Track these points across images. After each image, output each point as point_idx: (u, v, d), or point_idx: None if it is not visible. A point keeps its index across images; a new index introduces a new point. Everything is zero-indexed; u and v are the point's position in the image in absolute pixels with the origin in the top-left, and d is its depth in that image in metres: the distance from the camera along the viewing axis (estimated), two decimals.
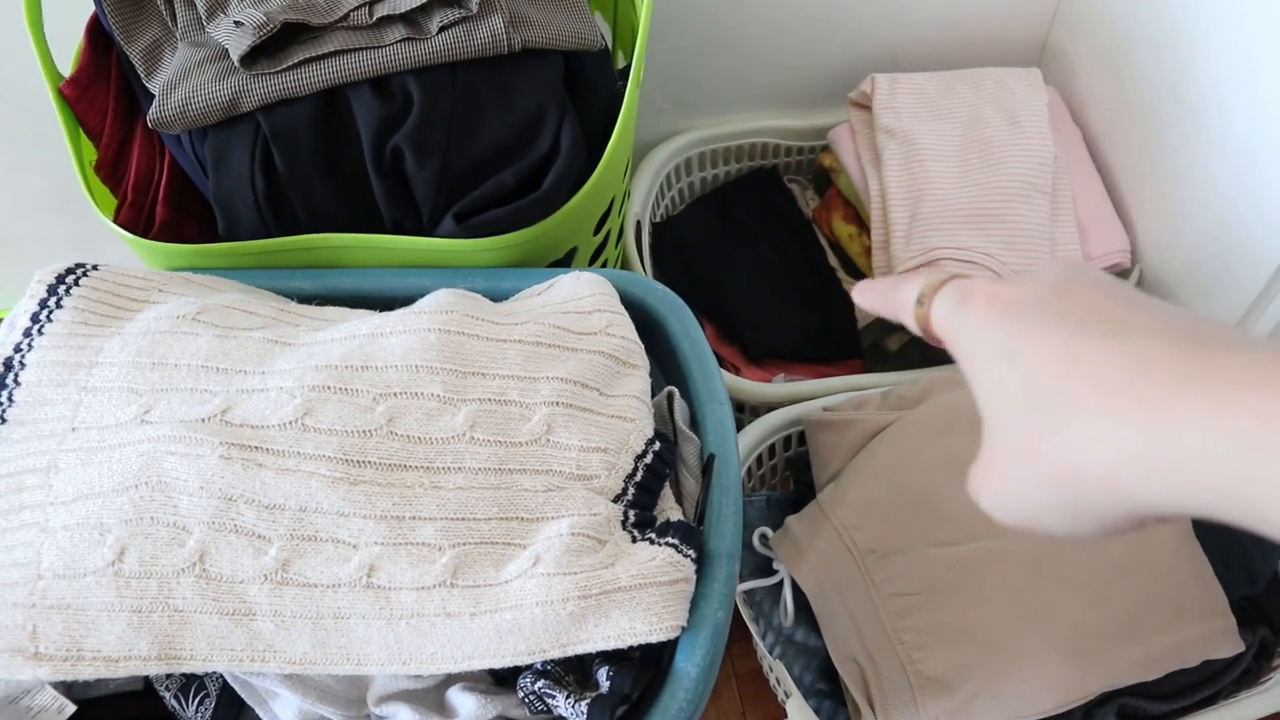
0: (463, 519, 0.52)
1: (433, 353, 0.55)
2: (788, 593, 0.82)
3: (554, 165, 0.66)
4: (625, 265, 0.96)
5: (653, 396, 0.61)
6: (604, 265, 0.78)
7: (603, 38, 0.70)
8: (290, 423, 0.53)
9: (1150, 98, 0.92)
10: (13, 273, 1.09)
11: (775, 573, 0.84)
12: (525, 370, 0.56)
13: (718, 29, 0.99)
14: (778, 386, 0.91)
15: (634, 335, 0.60)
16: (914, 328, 0.39)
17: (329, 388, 0.54)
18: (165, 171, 0.69)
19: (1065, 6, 1.02)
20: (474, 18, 0.65)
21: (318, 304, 0.67)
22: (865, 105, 0.99)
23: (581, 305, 0.60)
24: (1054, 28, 1.04)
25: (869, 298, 0.44)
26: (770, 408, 0.91)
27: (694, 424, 0.61)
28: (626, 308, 0.63)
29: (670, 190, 1.06)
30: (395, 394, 0.54)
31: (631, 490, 0.55)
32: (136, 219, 0.69)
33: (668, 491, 0.58)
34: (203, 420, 0.53)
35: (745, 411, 0.94)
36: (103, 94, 0.71)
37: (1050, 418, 0.30)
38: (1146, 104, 0.93)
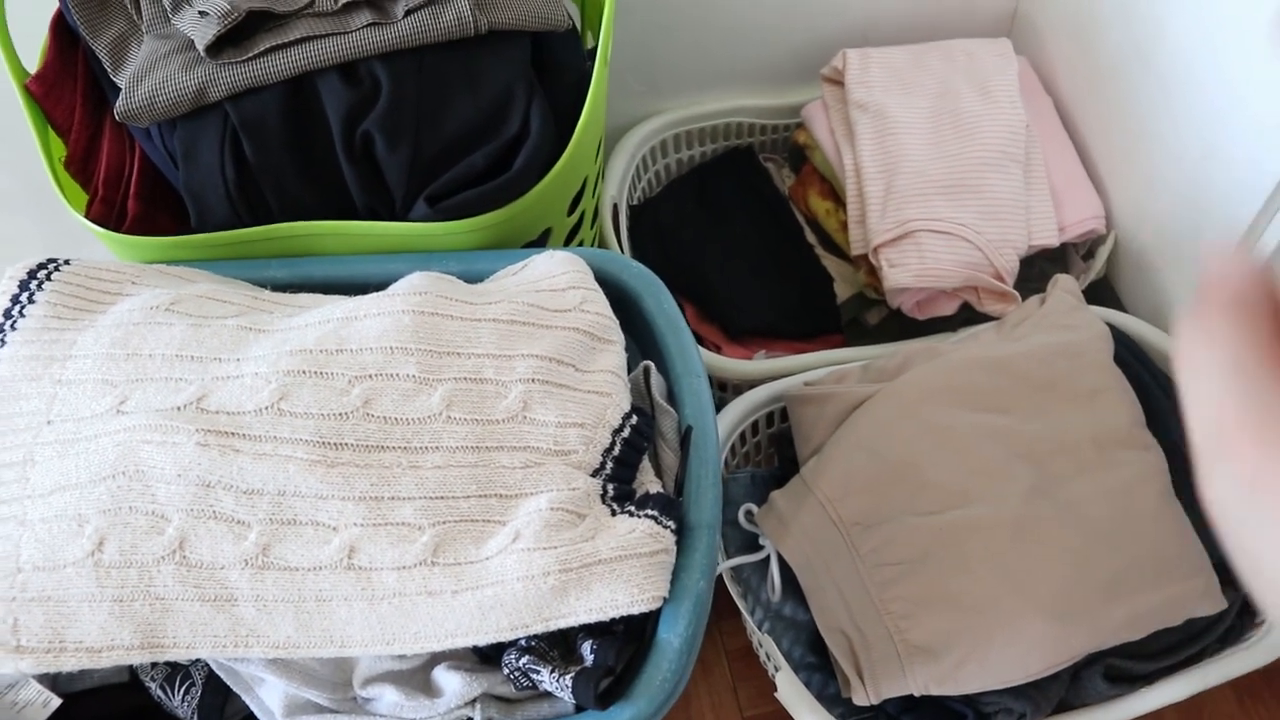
0: (442, 498, 0.52)
1: (407, 334, 0.55)
2: (774, 568, 0.82)
3: (524, 146, 0.66)
4: (603, 248, 0.96)
5: (629, 371, 0.61)
6: (580, 246, 0.78)
7: (569, 18, 0.70)
8: (266, 408, 0.53)
9: (1119, 64, 0.92)
10: None
11: (761, 549, 0.84)
12: (500, 348, 0.56)
13: (687, 7, 0.99)
14: (758, 364, 0.92)
15: (608, 311, 0.60)
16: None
17: (304, 372, 0.54)
18: (136, 166, 0.69)
19: None
20: (440, 1, 0.65)
21: (293, 292, 0.67)
22: (837, 81, 0.99)
23: (556, 283, 0.60)
24: None
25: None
26: (752, 385, 0.91)
27: (671, 398, 0.61)
28: (602, 285, 0.63)
29: (646, 172, 1.06)
30: (370, 376, 0.54)
31: (610, 464, 0.55)
32: (108, 214, 0.69)
33: (646, 465, 0.58)
34: (178, 408, 0.53)
35: (728, 390, 0.95)
36: (70, 90, 0.71)
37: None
38: (1115, 70, 0.93)
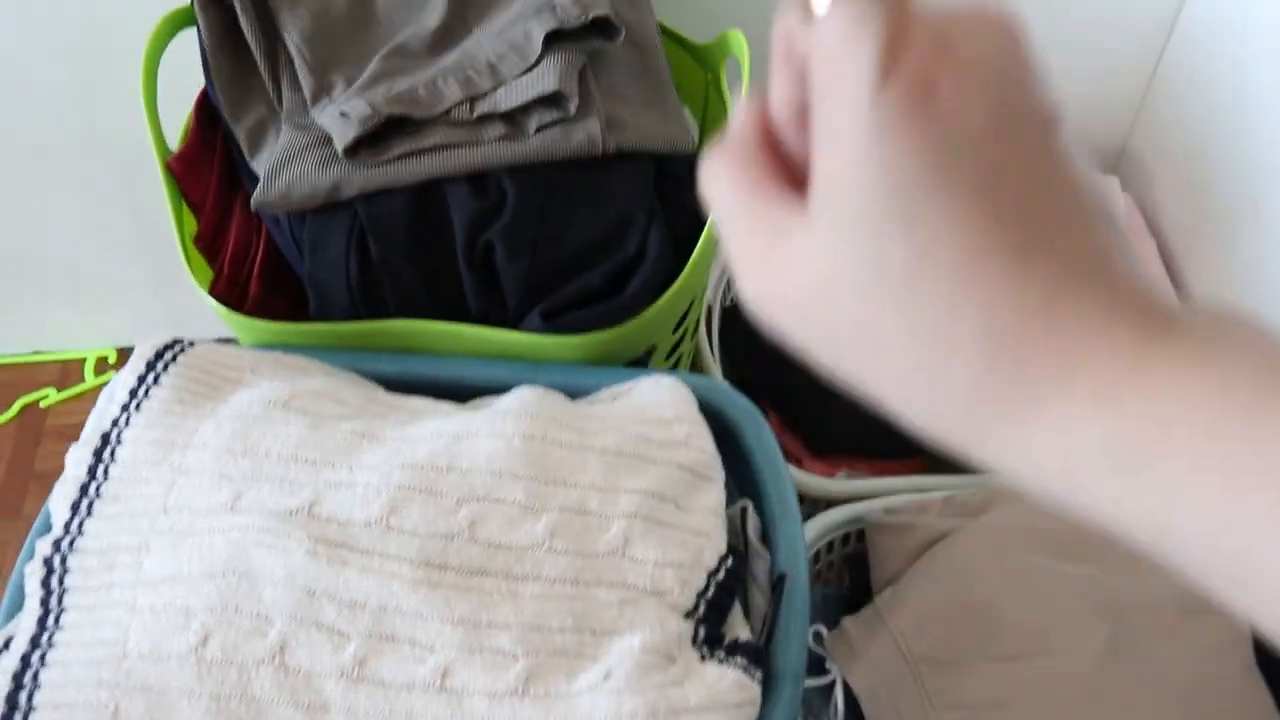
0: (538, 628, 0.53)
1: (516, 459, 0.56)
2: (839, 694, 0.81)
3: (640, 269, 0.67)
4: (695, 352, 0.97)
5: (727, 506, 0.62)
6: (679, 359, 0.79)
7: (693, 140, 0.72)
8: (375, 521, 0.54)
9: (1229, 207, 0.92)
10: (114, 316, 1.13)
11: (828, 672, 0.83)
12: (605, 480, 0.57)
13: None
14: (840, 483, 0.92)
15: (712, 447, 0.61)
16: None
17: (414, 488, 0.55)
18: (261, 249, 0.71)
19: (1146, 113, 1.02)
20: (571, 119, 0.67)
21: (400, 387, 0.69)
22: None
23: (662, 414, 0.61)
24: (1133, 133, 1.04)
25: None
26: (831, 503, 0.91)
27: (765, 537, 0.62)
28: (704, 414, 0.64)
29: None
30: (478, 498, 0.55)
31: (703, 607, 0.55)
32: (231, 293, 0.71)
33: (737, 607, 0.58)
34: (291, 512, 0.55)
35: (805, 503, 0.95)
36: (207, 168, 0.73)
37: (917, 319, 0.24)
38: (1225, 214, 0.93)
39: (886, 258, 0.24)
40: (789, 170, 0.28)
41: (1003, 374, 0.24)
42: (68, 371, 1.15)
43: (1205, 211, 0.95)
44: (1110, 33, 0.97)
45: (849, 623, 0.83)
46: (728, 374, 0.99)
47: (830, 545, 0.90)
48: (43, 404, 1.13)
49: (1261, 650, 0.77)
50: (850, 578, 0.91)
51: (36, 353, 1.16)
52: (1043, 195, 0.24)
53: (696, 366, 0.96)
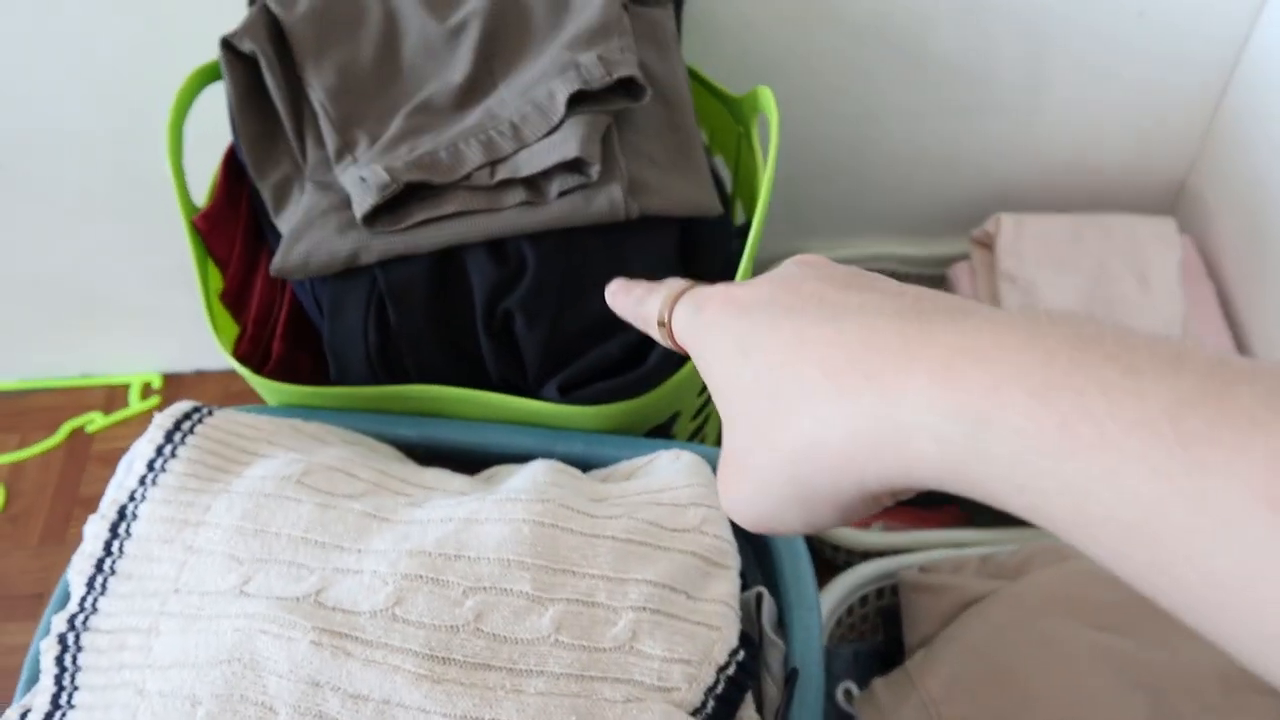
0: None
1: (525, 546, 0.55)
2: None
3: None
4: None
5: (743, 586, 0.60)
6: (706, 420, 0.77)
7: (720, 205, 0.70)
8: (381, 611, 0.54)
9: None
10: (160, 343, 1.14)
11: None
12: (615, 570, 0.56)
13: (840, 156, 0.98)
14: (875, 535, 0.90)
15: (728, 534, 0.59)
16: (662, 341, 0.40)
17: (421, 577, 0.55)
18: (285, 308, 0.71)
19: (1207, 151, 0.98)
20: (593, 185, 0.66)
21: (420, 452, 0.68)
22: (987, 244, 0.96)
23: (678, 497, 0.60)
24: (1193, 172, 1.00)
25: (620, 302, 0.45)
26: (867, 554, 0.89)
27: (780, 624, 0.60)
28: None
29: None
30: (485, 588, 0.54)
31: (711, 703, 0.54)
32: (254, 352, 0.71)
33: (748, 700, 0.57)
34: (298, 600, 0.54)
35: (840, 552, 0.93)
36: (233, 225, 0.73)
37: (783, 404, 0.30)
38: None
39: (751, 389, 0.32)
40: None
41: (850, 393, 0.28)
42: (113, 396, 1.17)
43: (1268, 255, 0.91)
44: (1171, 66, 0.93)
45: (879, 684, 0.81)
46: None
47: (864, 599, 0.89)
48: (89, 429, 1.14)
49: None
50: (885, 631, 0.89)
51: (84, 376, 1.18)
52: (842, 292, 0.32)
53: None
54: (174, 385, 1.18)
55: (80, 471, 1.12)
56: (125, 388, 1.17)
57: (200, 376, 1.18)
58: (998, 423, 0.24)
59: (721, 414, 0.34)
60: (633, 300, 0.43)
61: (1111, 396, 0.23)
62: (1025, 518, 0.25)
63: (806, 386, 0.29)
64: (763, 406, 0.31)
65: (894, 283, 0.32)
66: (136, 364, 1.18)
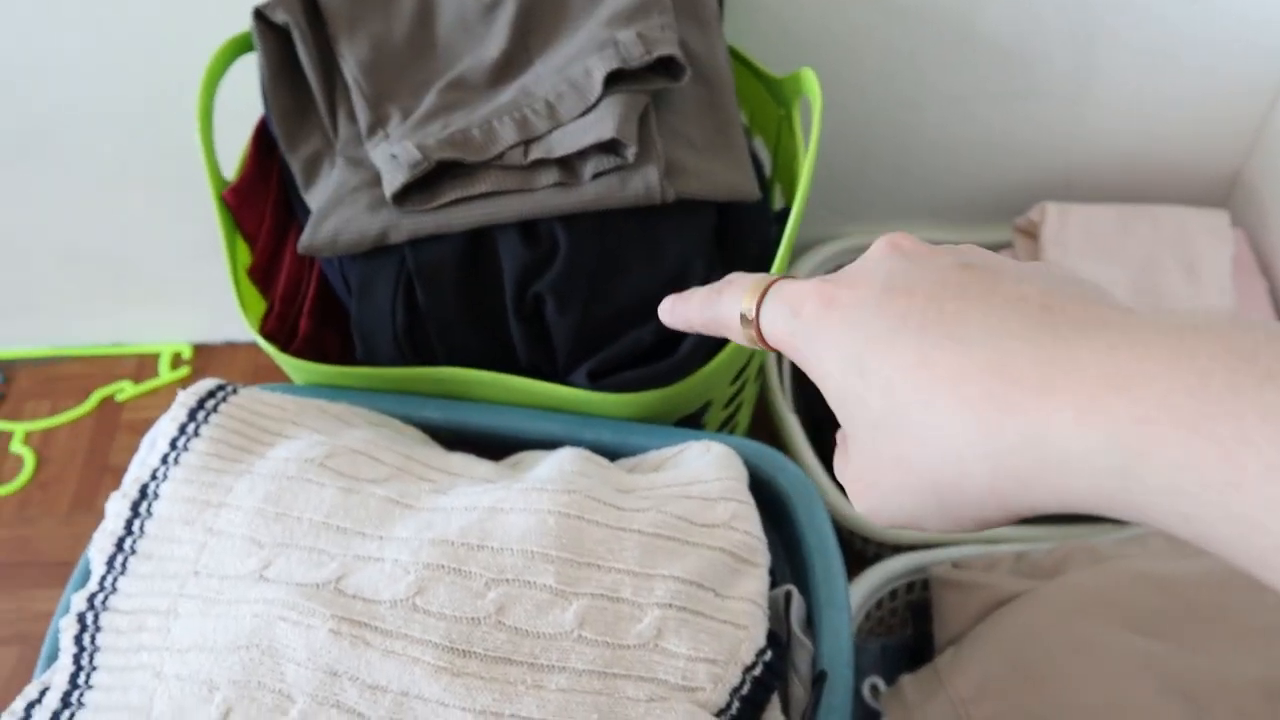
0: None
1: (550, 538, 0.54)
2: None
3: None
4: (763, 381, 0.94)
5: (772, 583, 0.59)
6: (739, 408, 0.76)
7: (758, 189, 0.68)
8: (401, 600, 0.53)
9: None
10: (190, 313, 1.14)
11: None
12: (641, 565, 0.54)
13: (881, 140, 0.95)
14: (907, 531, 0.88)
15: (758, 529, 0.58)
16: (745, 343, 0.37)
17: (443, 566, 0.53)
18: (313, 284, 0.70)
19: (1263, 143, 0.95)
20: (629, 166, 0.64)
21: (446, 435, 0.67)
22: (1031, 234, 0.94)
23: (708, 490, 0.58)
24: (1248, 163, 0.97)
25: (682, 314, 0.41)
26: (896, 548, 0.88)
27: (809, 623, 0.59)
28: (754, 484, 0.61)
29: None
30: (508, 580, 0.53)
31: (736, 704, 0.53)
32: (281, 329, 0.70)
33: (775, 701, 0.55)
34: (318, 586, 0.53)
35: (869, 543, 0.91)
36: (262, 199, 0.72)
37: (915, 433, 0.29)
38: None
39: (873, 409, 0.30)
40: None
41: (990, 425, 0.27)
42: (144, 366, 1.17)
43: None
44: (1227, 53, 0.90)
45: (907, 682, 0.79)
46: (798, 407, 0.96)
47: (894, 593, 0.87)
48: (118, 398, 1.14)
49: None
50: (914, 627, 0.87)
51: (115, 345, 1.18)
52: (961, 303, 0.29)
53: (762, 402, 0.93)
54: (204, 356, 1.17)
55: (110, 440, 1.11)
56: (155, 357, 1.17)
57: (230, 348, 1.18)
58: (1154, 456, 0.23)
59: (839, 418, 0.32)
60: (696, 307, 0.40)
61: (1276, 423, 0.21)
62: (1193, 544, 0.24)
63: (940, 418, 0.28)
64: (890, 431, 0.30)
65: (1007, 268, 0.31)
66: (167, 334, 1.17)
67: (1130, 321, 0.26)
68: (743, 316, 0.36)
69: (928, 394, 0.28)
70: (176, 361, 1.17)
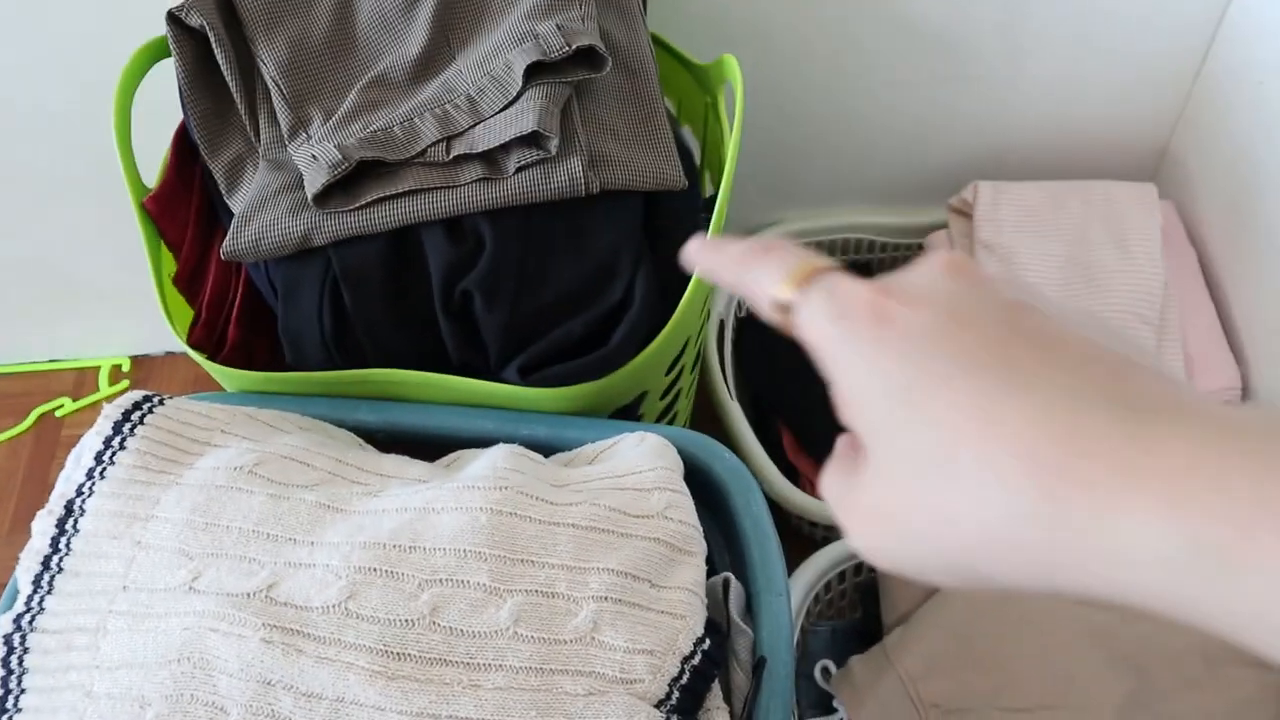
0: None
1: (482, 536, 0.54)
2: None
3: (625, 317, 0.64)
4: (703, 367, 0.94)
5: (710, 571, 0.59)
6: (677, 397, 0.75)
7: (685, 178, 0.68)
8: (333, 606, 0.52)
9: (1273, 222, 0.86)
10: (128, 325, 1.12)
11: (835, 710, 0.81)
12: (576, 559, 0.54)
13: (814, 124, 0.96)
14: None
15: (693, 519, 0.58)
16: (770, 319, 0.33)
17: (374, 570, 0.53)
18: (240, 291, 0.69)
19: (1188, 116, 0.96)
20: (552, 159, 0.64)
21: (381, 437, 0.67)
22: (965, 213, 0.94)
23: (641, 481, 0.58)
24: (1175, 137, 0.98)
25: (709, 266, 0.36)
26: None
27: (748, 610, 0.59)
28: (690, 473, 0.61)
29: None
30: (441, 580, 0.53)
31: (676, 694, 0.53)
32: (209, 338, 0.69)
33: (716, 689, 0.55)
34: (248, 595, 0.53)
35: (818, 528, 0.92)
36: (185, 206, 0.71)
37: (961, 484, 0.26)
38: (1272, 229, 0.87)
39: (916, 447, 0.28)
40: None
41: (1059, 500, 0.24)
42: (82, 380, 1.15)
43: (1251, 222, 0.89)
44: (1152, 30, 0.91)
45: (856, 663, 0.80)
46: (741, 391, 0.96)
47: (842, 575, 0.87)
48: (58, 413, 1.12)
49: None
50: (862, 608, 0.88)
51: (52, 360, 1.16)
52: (1029, 350, 0.27)
53: (702, 386, 0.93)
54: (143, 368, 1.16)
55: (50, 458, 1.10)
56: (94, 371, 1.16)
57: (170, 359, 1.16)
58: (1250, 567, 0.21)
59: (865, 442, 0.29)
60: (727, 268, 0.36)
61: None
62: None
63: (996, 474, 0.25)
64: (936, 479, 0.27)
65: (1067, 315, 0.28)
66: (105, 347, 1.16)
67: (1216, 411, 0.24)
68: (778, 302, 0.32)
69: (985, 446, 0.26)
70: (116, 375, 1.15)
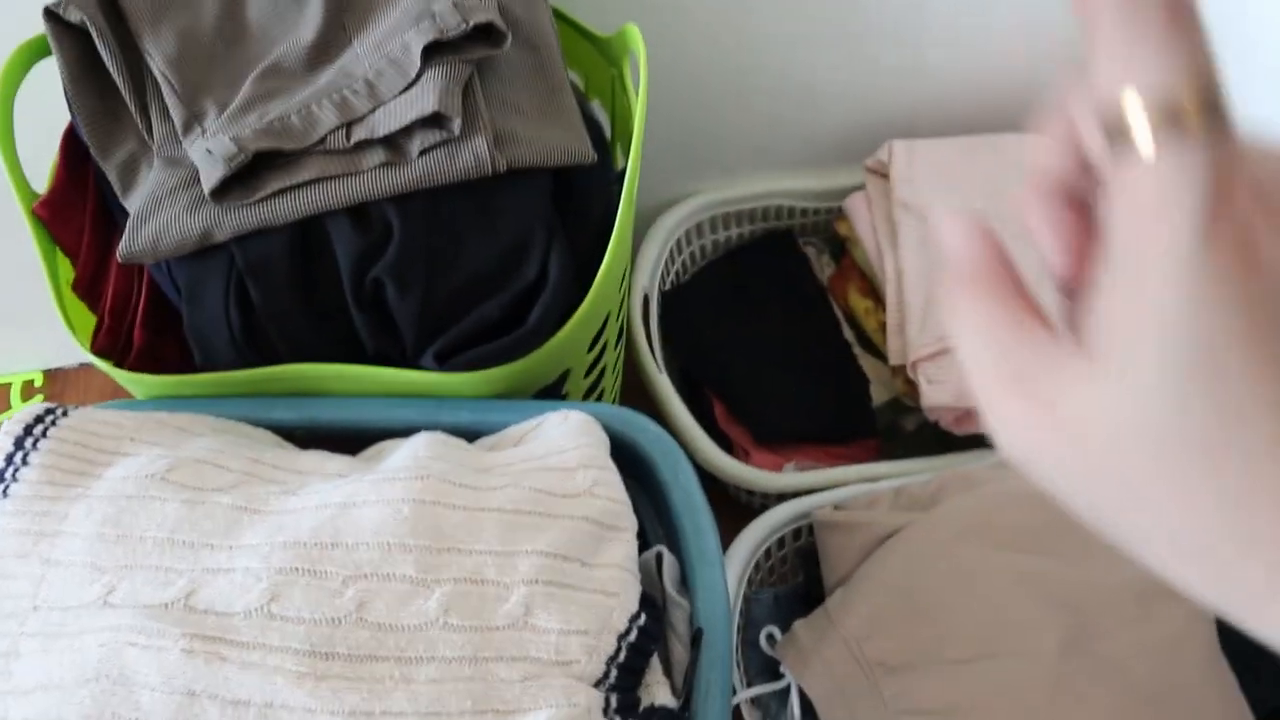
0: (435, 714, 0.49)
1: (405, 528, 0.53)
2: (794, 699, 0.79)
3: (541, 296, 0.63)
4: (629, 342, 0.93)
5: (643, 546, 0.58)
6: (603, 373, 0.75)
7: (594, 153, 0.67)
8: (255, 610, 0.50)
9: None
10: (40, 338, 1.08)
11: (783, 676, 0.81)
12: (503, 543, 0.53)
13: (723, 90, 0.95)
14: (787, 476, 0.88)
15: (621, 494, 0.57)
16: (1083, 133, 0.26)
17: (296, 569, 0.52)
18: (144, 294, 0.67)
19: None
20: (456, 140, 0.62)
21: (301, 434, 0.65)
22: (882, 173, 0.95)
23: (566, 460, 0.57)
24: None
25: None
26: (780, 497, 0.88)
27: (684, 582, 0.58)
28: (617, 448, 0.60)
29: (681, 254, 1.02)
30: (365, 575, 0.52)
31: (614, 672, 0.52)
32: (114, 344, 0.67)
33: (655, 664, 0.55)
34: (165, 606, 0.51)
35: (755, 496, 0.92)
36: (79, 210, 0.69)
37: (1215, 509, 0.23)
38: None
39: (1190, 421, 0.23)
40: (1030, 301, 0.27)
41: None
42: None
43: None
44: None
45: (799, 627, 0.80)
46: (669, 364, 0.95)
47: (781, 541, 0.87)
48: None
49: (1224, 633, 0.75)
50: (804, 573, 0.88)
51: None
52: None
53: (630, 361, 0.92)
54: (58, 381, 1.12)
55: None
56: (6, 388, 1.12)
57: (86, 370, 1.13)
58: None
59: (1114, 362, 0.24)
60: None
61: None
62: None
63: (1248, 589, 0.23)
64: (1178, 453, 0.23)
65: None
66: (16, 362, 1.12)
67: None
68: (1124, 127, 0.23)
69: (1268, 464, 0.23)
70: (29, 390, 1.11)
